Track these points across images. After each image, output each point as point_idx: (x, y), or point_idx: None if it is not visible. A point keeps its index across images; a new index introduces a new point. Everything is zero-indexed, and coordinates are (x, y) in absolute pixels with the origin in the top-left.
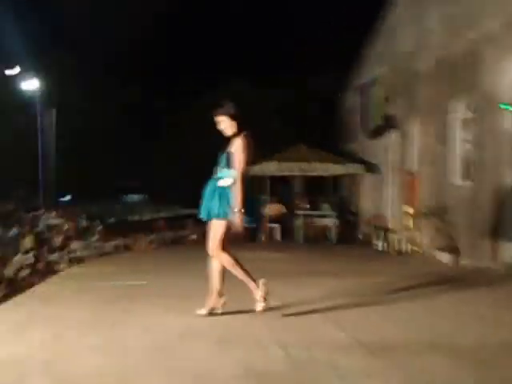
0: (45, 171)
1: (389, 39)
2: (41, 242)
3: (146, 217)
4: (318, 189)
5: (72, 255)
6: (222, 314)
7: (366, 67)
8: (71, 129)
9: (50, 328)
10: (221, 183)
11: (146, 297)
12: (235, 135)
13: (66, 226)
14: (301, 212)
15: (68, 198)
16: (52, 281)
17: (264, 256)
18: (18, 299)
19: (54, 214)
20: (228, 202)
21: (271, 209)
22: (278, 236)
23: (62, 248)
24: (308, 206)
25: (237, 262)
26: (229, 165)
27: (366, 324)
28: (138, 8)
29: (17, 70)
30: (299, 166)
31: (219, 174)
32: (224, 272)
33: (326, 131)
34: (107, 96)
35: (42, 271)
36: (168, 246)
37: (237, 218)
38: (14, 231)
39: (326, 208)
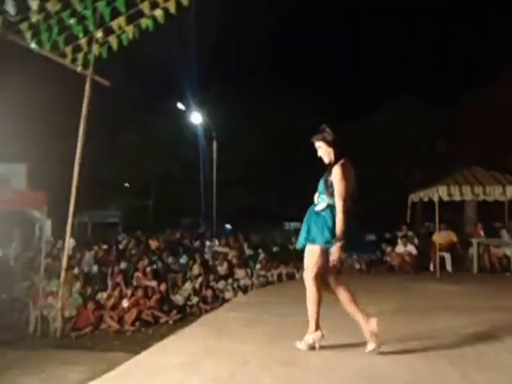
0: (207, 201)
1: None
2: (207, 269)
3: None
4: (493, 214)
5: (236, 284)
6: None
7: None
8: (232, 159)
9: (224, 363)
10: (317, 208)
11: None
12: (333, 163)
13: (230, 255)
14: (475, 240)
15: (229, 226)
16: (220, 311)
17: (437, 288)
18: (190, 329)
19: (218, 242)
20: (326, 228)
21: (441, 237)
22: (448, 266)
23: (227, 276)
24: (482, 233)
25: (352, 296)
26: (327, 192)
27: None
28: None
29: (182, 105)
30: (472, 190)
31: (319, 201)
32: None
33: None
34: (265, 125)
35: (209, 299)
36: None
37: (337, 249)
38: (183, 259)
39: (504, 235)
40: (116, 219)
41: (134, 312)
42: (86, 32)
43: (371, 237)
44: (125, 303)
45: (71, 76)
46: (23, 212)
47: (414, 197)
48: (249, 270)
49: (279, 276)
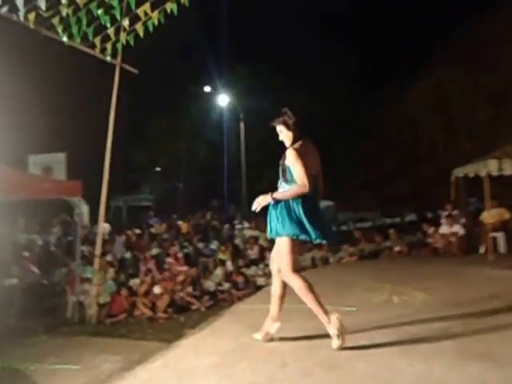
0: (235, 183)
1: None
2: (237, 254)
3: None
4: None
5: (268, 269)
6: None
7: None
8: (259, 141)
9: (260, 365)
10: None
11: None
12: (289, 147)
13: (261, 238)
14: None
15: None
16: (253, 301)
17: (494, 273)
18: (222, 324)
19: (248, 225)
20: (287, 218)
21: (491, 215)
22: (502, 248)
23: (257, 261)
24: None
25: (310, 287)
26: (283, 178)
27: None
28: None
29: (208, 87)
30: None
31: (280, 190)
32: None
33: None
34: (291, 105)
35: (240, 285)
36: (369, 259)
37: (265, 197)
38: (213, 244)
39: None
40: (149, 202)
41: (166, 298)
42: (114, 21)
43: (411, 217)
44: (157, 289)
45: (105, 66)
46: (62, 198)
47: (457, 172)
48: None
49: (313, 260)
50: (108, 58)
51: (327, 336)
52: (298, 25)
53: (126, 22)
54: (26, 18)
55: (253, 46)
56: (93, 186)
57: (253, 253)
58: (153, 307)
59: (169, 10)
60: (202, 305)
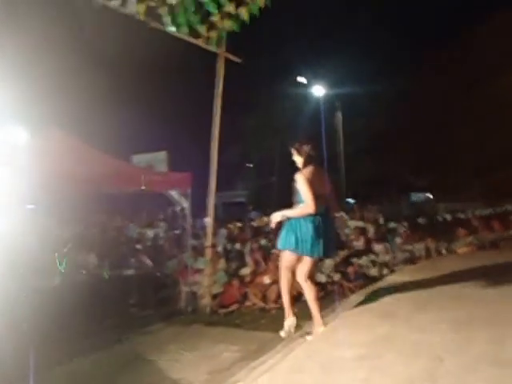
0: (330, 175)
1: None
2: (343, 245)
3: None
4: None
5: (375, 259)
6: None
7: None
8: (356, 130)
9: (412, 359)
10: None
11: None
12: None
13: (369, 229)
14: None
15: (351, 200)
16: (375, 291)
17: None
18: (350, 314)
19: (346, 216)
20: (292, 234)
21: None
22: None
23: (364, 252)
24: None
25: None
26: (294, 199)
27: None
28: None
29: (303, 78)
30: None
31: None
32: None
33: None
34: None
35: (351, 276)
36: (487, 249)
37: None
38: None
39: None
40: (242, 198)
41: (276, 289)
42: (219, 8)
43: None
44: (266, 280)
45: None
46: (166, 194)
47: None
48: (387, 245)
49: (427, 250)
50: (212, 48)
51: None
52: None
53: (230, 8)
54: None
55: (344, 34)
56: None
57: (358, 244)
58: (263, 298)
59: None
60: None
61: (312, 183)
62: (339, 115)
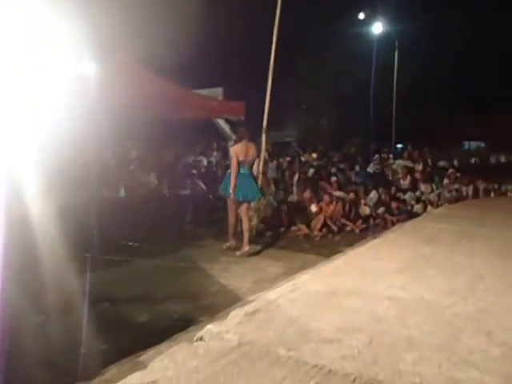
0: (380, 121)
1: None
2: (388, 183)
3: None
4: None
5: (419, 196)
6: None
7: None
8: (411, 73)
9: (453, 274)
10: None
11: None
12: None
13: (417, 168)
14: None
15: (400, 146)
16: (420, 221)
17: None
18: (392, 236)
19: (393, 160)
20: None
21: None
22: None
23: (410, 189)
24: None
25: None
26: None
27: None
28: None
29: (362, 14)
30: None
31: None
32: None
33: None
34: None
35: (394, 210)
36: None
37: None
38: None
39: None
40: (292, 138)
41: (321, 218)
42: None
43: None
44: (313, 208)
45: None
46: (216, 124)
47: None
48: (434, 185)
49: (475, 191)
50: None
51: None
52: None
53: None
54: None
55: None
56: None
57: (405, 183)
58: (308, 225)
59: None
60: (357, 227)
61: (238, 152)
62: (396, 54)
